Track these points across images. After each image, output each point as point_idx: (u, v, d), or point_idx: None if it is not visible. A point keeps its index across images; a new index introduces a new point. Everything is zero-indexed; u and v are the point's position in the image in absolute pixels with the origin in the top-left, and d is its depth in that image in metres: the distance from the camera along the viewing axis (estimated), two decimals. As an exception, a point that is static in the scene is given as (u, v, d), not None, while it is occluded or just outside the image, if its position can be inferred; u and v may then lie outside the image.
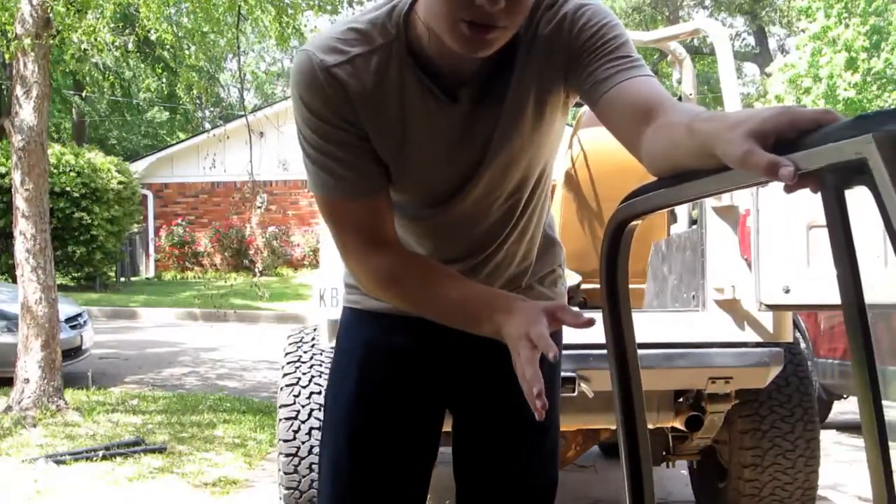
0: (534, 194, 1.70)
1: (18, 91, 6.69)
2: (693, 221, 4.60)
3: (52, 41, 6.76)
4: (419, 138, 1.56)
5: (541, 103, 1.57)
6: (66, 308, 8.08)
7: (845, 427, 6.87)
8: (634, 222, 1.28)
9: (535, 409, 1.26)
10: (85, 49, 7.38)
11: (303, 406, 3.76)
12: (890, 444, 0.98)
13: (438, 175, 1.62)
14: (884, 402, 0.96)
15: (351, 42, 1.53)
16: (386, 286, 1.59)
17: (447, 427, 1.90)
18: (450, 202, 1.64)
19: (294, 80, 1.60)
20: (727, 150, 1.01)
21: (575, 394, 3.38)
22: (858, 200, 0.89)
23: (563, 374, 2.33)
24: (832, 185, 0.91)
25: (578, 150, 4.47)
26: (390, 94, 1.54)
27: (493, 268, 1.73)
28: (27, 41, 6.49)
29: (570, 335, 1.76)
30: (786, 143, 0.96)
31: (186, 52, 8.54)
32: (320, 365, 3.83)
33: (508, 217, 1.69)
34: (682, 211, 4.88)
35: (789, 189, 0.95)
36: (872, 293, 0.81)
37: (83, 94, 20.67)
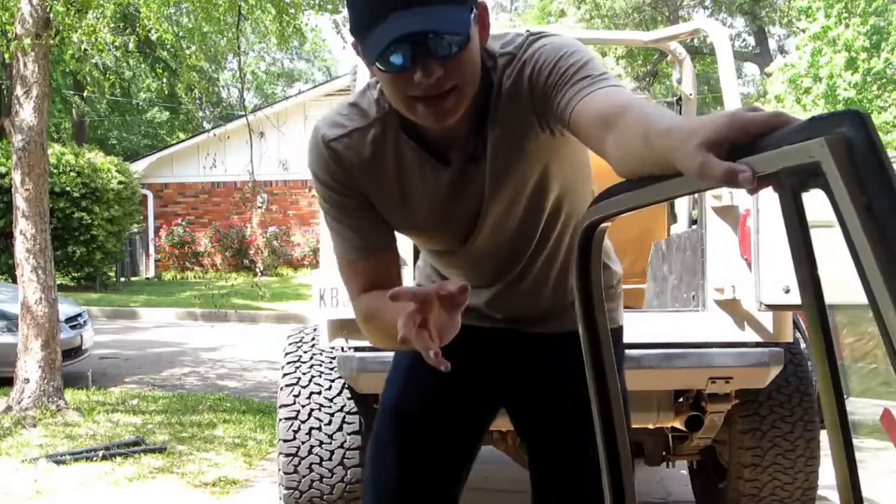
0: (554, 222, 1.79)
1: (18, 91, 6.69)
2: (693, 221, 4.60)
3: (52, 41, 6.76)
4: (418, 199, 1.71)
5: (521, 148, 1.66)
6: (66, 308, 8.08)
7: (845, 427, 6.86)
8: (605, 224, 1.28)
9: None
10: (85, 49, 7.38)
11: (303, 406, 3.76)
12: (854, 440, 0.98)
13: (444, 227, 1.77)
14: (848, 399, 0.97)
15: (351, 117, 1.70)
16: (365, 322, 1.73)
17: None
18: (463, 245, 1.80)
19: (308, 152, 1.76)
20: (684, 164, 1.03)
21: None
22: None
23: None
24: (789, 187, 0.91)
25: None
26: (387, 162, 1.69)
27: (528, 287, 1.86)
28: (27, 41, 6.49)
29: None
30: (741, 147, 0.96)
31: (187, 52, 8.54)
32: (320, 365, 3.83)
33: (526, 246, 1.81)
34: (682, 211, 4.88)
35: (751, 191, 0.96)
36: (859, 294, 0.82)
37: (83, 94, 20.68)
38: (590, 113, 1.44)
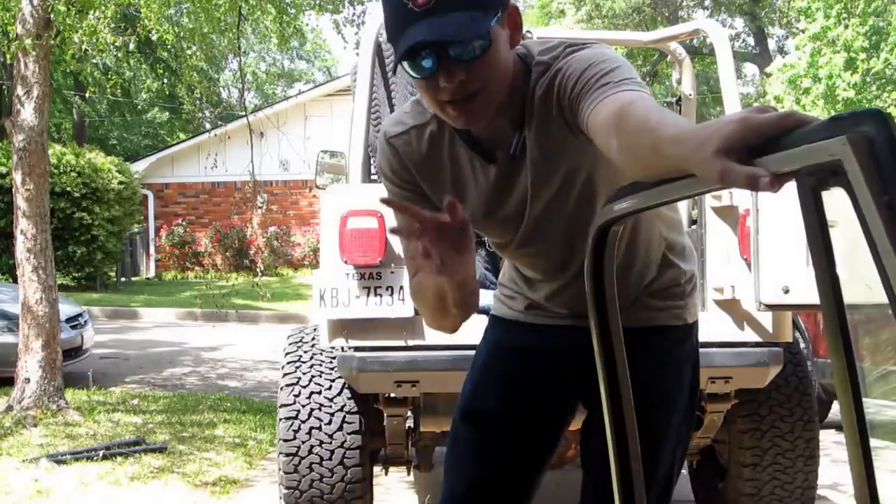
0: None
1: (19, 91, 6.70)
2: (693, 221, 4.60)
3: (52, 41, 6.76)
4: (470, 193, 1.81)
5: (557, 151, 1.72)
6: (66, 308, 8.08)
7: (845, 427, 6.86)
8: (618, 225, 1.29)
9: None
10: (86, 49, 7.38)
11: (303, 406, 3.77)
12: (871, 441, 0.98)
13: (494, 220, 1.84)
14: (865, 401, 0.97)
15: (413, 115, 1.81)
16: (414, 295, 1.83)
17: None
18: (516, 237, 1.87)
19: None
20: (703, 172, 1.04)
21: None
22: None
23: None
24: (808, 186, 0.91)
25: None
26: (442, 157, 1.80)
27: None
28: (28, 41, 6.49)
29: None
30: (757, 148, 0.96)
31: (187, 52, 8.54)
32: (320, 365, 3.84)
33: (581, 243, 1.82)
34: (682, 211, 4.88)
35: (774, 191, 0.97)
36: (875, 294, 0.82)
37: (84, 94, 20.69)
38: (599, 119, 1.46)
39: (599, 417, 1.96)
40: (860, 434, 0.97)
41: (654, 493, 1.93)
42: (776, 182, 0.94)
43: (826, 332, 0.96)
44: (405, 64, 1.55)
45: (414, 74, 1.57)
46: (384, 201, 1.55)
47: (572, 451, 4.11)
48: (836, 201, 0.87)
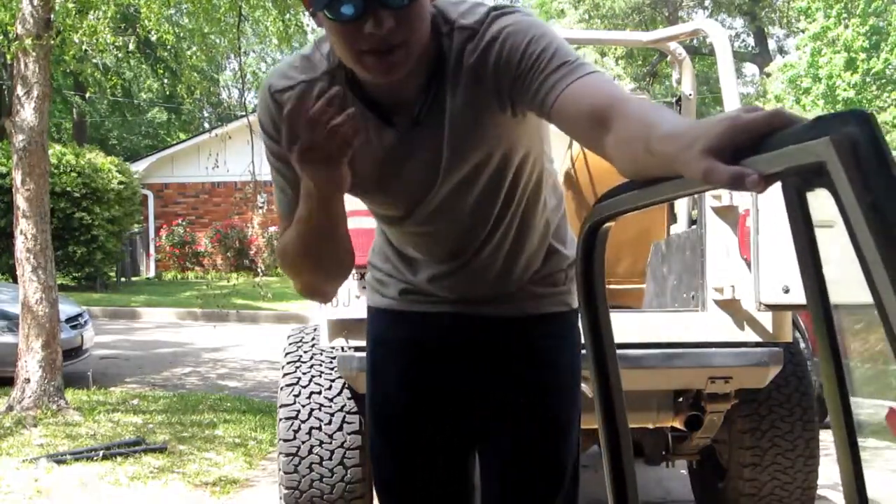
0: (509, 206, 1.74)
1: (19, 91, 6.70)
2: (693, 221, 4.60)
3: (52, 41, 6.76)
4: (361, 160, 1.61)
5: (484, 125, 1.62)
6: (66, 308, 8.08)
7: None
8: (609, 223, 1.29)
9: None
10: (86, 49, 7.38)
11: (303, 406, 3.77)
12: (858, 439, 0.98)
13: (387, 192, 1.71)
14: (852, 399, 0.97)
15: (301, 69, 1.64)
16: (281, 260, 1.69)
17: None
18: (409, 215, 1.73)
19: (257, 103, 1.74)
20: (688, 172, 1.03)
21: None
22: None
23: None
24: (793, 187, 0.91)
25: (578, 150, 4.48)
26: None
27: (478, 269, 1.80)
28: (28, 41, 6.50)
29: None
30: (745, 148, 0.96)
31: (187, 52, 8.54)
32: (320, 365, 3.84)
33: (482, 226, 1.76)
34: (681, 211, 4.88)
35: (759, 191, 0.96)
36: (864, 294, 0.82)
37: (84, 94, 20.69)
38: (579, 107, 1.41)
39: (498, 425, 1.86)
40: (847, 432, 0.97)
41: (566, 485, 1.88)
42: (762, 182, 0.94)
43: (815, 332, 0.97)
44: (325, 7, 1.43)
45: (333, 17, 1.44)
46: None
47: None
48: (825, 201, 0.87)
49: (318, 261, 1.64)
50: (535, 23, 1.57)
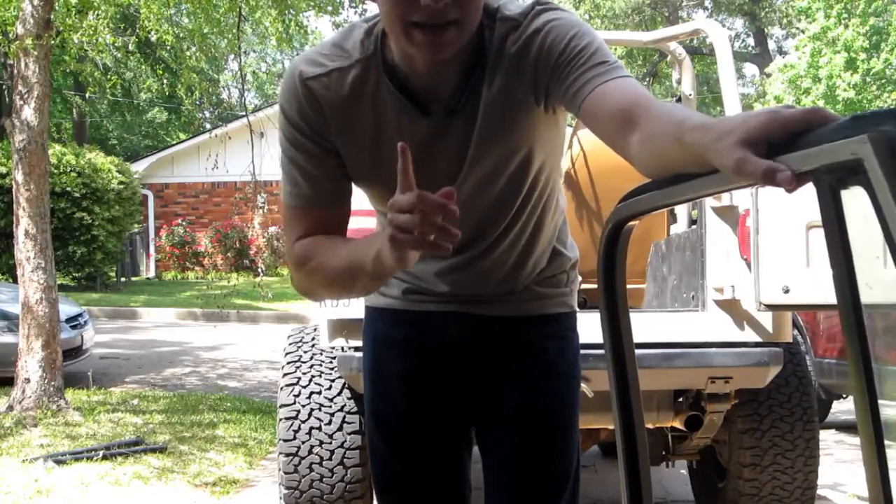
0: (527, 205, 1.73)
1: (20, 91, 6.70)
2: (693, 221, 4.60)
3: (52, 41, 6.76)
4: (390, 149, 1.56)
5: (514, 118, 1.61)
6: (66, 308, 8.08)
7: (844, 426, 6.87)
8: (631, 223, 1.28)
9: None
10: (86, 49, 7.39)
11: (303, 406, 3.77)
12: (886, 442, 0.98)
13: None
14: (880, 402, 0.97)
15: (332, 56, 1.61)
16: (300, 266, 1.64)
17: None
18: None
19: (280, 88, 1.68)
20: (720, 162, 1.02)
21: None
22: (856, 200, 0.90)
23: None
24: (828, 185, 0.91)
25: (578, 150, 4.48)
26: (364, 106, 1.61)
27: (488, 266, 1.78)
28: (28, 41, 6.50)
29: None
30: (779, 145, 0.96)
31: (187, 52, 8.55)
32: (320, 365, 3.84)
33: (498, 222, 1.73)
34: (681, 211, 4.89)
35: (789, 190, 0.95)
36: (872, 293, 0.81)
37: (84, 94, 20.69)
38: (609, 105, 1.42)
39: (499, 426, 1.83)
40: (875, 435, 0.96)
41: (569, 484, 1.87)
42: (794, 180, 0.93)
43: (843, 332, 0.96)
44: None
45: None
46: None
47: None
48: (855, 200, 0.86)
49: (347, 292, 1.67)
50: (580, 21, 1.58)
